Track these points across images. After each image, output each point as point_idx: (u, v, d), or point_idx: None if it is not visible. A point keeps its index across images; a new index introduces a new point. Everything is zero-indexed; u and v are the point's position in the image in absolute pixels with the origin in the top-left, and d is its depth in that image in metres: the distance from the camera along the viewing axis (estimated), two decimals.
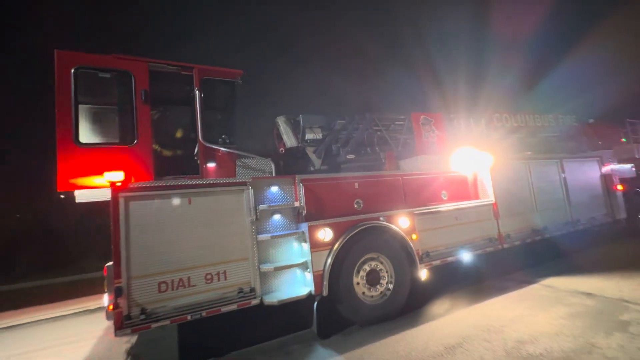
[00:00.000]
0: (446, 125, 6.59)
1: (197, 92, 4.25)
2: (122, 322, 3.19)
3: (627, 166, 8.52)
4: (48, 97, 3.84)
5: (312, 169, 5.45)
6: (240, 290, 3.77)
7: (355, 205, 4.77)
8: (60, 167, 3.56)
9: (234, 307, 3.69)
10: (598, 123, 9.40)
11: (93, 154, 3.72)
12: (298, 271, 4.16)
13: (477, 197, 6.17)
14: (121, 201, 3.35)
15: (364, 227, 4.34)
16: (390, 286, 4.49)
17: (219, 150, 4.36)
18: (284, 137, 5.29)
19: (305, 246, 4.07)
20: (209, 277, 3.65)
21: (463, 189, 6.09)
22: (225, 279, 3.73)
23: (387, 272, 4.52)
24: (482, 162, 6.06)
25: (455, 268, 5.54)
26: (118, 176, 3.39)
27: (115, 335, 3.17)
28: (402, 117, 6.33)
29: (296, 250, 4.23)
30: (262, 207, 4.00)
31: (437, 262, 4.96)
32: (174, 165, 4.24)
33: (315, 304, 3.99)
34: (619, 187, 7.99)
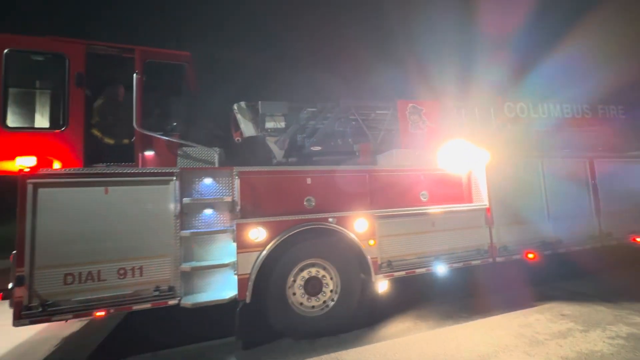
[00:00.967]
0: (442, 116, 5.71)
1: (135, 75, 4.00)
2: (20, 313, 3.10)
3: None
4: None
5: (274, 161, 5.02)
6: (157, 289, 3.52)
7: (306, 204, 4.25)
8: None
9: (147, 305, 3.45)
10: None
11: (21, 139, 3.66)
12: (227, 273, 3.79)
13: (470, 200, 5.27)
14: (29, 187, 3.24)
15: (303, 228, 3.83)
16: (335, 297, 3.95)
17: (157, 138, 4.10)
18: (242, 125, 4.90)
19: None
20: (122, 272, 3.43)
21: (453, 190, 5.22)
22: (141, 276, 3.49)
23: (332, 280, 3.98)
24: (476, 159, 5.14)
25: (433, 281, 4.82)
26: (30, 161, 3.27)
27: (13, 325, 3.09)
28: (386, 105, 5.58)
29: (229, 250, 3.86)
30: (186, 200, 3.68)
31: (401, 274, 4.29)
32: (110, 152, 4.08)
33: (238, 310, 3.60)
34: None
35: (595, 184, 5.94)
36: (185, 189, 3.78)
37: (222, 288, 3.75)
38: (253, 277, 3.58)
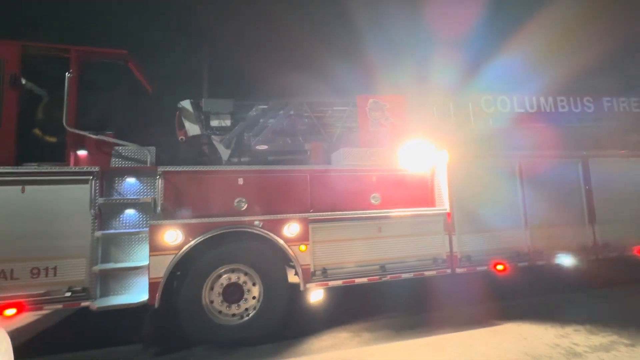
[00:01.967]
0: (408, 112, 5.26)
1: (67, 74, 4.01)
2: None
3: None
4: None
5: (224, 161, 4.85)
6: (70, 289, 3.47)
7: (236, 205, 4.04)
8: None
9: (59, 306, 3.42)
10: None
11: None
12: (145, 276, 3.67)
13: (433, 204, 4.80)
14: None
15: (222, 232, 3.62)
16: (258, 305, 3.70)
17: (88, 137, 4.08)
18: (186, 124, 4.79)
19: None
20: (35, 271, 3.41)
21: (413, 192, 4.76)
22: (55, 275, 3.45)
23: (255, 287, 3.73)
24: (436, 158, 4.66)
25: (388, 292, 4.44)
26: None
27: None
28: (345, 101, 5.24)
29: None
30: (100, 200, 3.60)
31: (337, 283, 3.95)
32: (42, 151, 4.11)
33: (149, 315, 3.46)
34: None
35: (589, 186, 5.20)
36: (106, 189, 3.72)
37: (139, 291, 3.63)
38: (164, 281, 3.43)
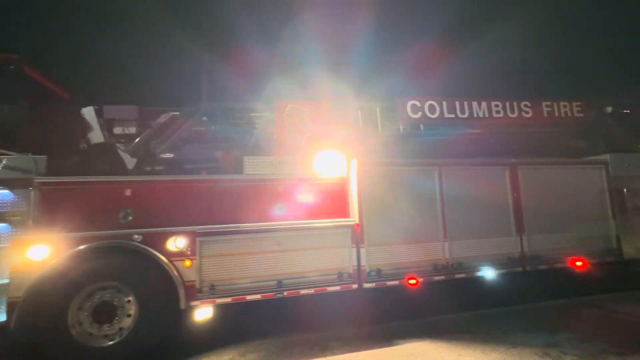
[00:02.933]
0: (329, 118, 5.07)
1: None
2: None
3: None
4: None
5: (131, 170, 4.65)
6: None
7: (121, 218, 3.82)
8: None
9: None
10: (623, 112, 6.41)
11: None
12: None
13: (347, 215, 4.57)
14: None
15: (92, 246, 3.40)
16: (132, 325, 3.47)
17: None
18: (89, 131, 4.59)
19: None
20: None
21: (325, 203, 4.51)
22: None
23: (130, 304, 3.50)
24: (347, 167, 4.45)
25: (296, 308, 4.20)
26: None
27: None
28: (265, 107, 5.05)
29: None
30: None
31: (226, 300, 3.73)
32: None
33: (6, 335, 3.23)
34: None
35: (517, 195, 4.97)
36: None
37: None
38: (21, 301, 3.20)
